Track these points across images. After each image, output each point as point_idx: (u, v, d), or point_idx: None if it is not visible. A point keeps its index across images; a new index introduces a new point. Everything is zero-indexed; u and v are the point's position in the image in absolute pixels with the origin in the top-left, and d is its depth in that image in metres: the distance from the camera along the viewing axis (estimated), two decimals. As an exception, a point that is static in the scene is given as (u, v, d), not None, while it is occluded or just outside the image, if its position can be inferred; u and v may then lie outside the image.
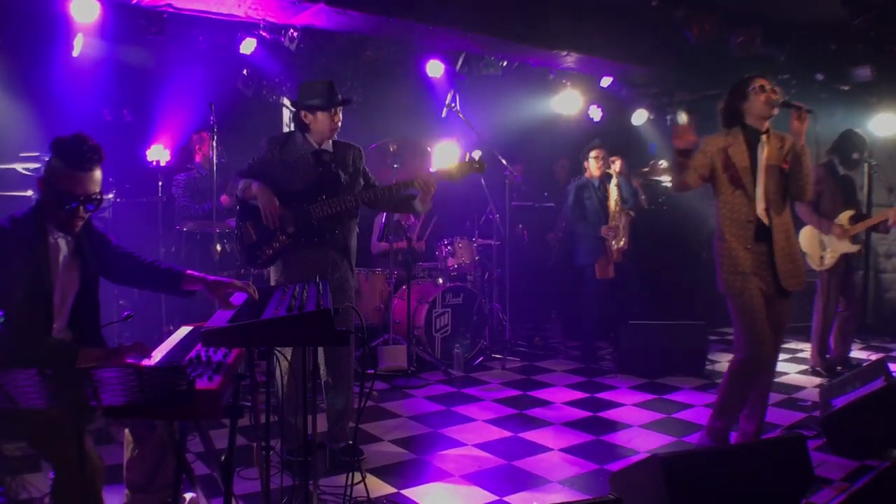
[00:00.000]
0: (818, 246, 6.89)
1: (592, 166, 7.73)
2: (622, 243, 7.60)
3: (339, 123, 4.76)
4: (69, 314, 3.26)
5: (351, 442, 4.57)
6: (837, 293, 6.99)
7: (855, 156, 6.96)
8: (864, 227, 6.91)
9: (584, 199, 7.70)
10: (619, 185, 7.70)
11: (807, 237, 6.94)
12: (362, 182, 4.88)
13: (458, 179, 4.90)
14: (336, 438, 4.76)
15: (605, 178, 7.73)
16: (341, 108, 4.76)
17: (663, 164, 9.53)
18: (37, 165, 6.09)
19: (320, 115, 4.66)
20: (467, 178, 5.00)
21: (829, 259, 6.85)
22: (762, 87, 4.55)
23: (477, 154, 5.33)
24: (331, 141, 4.79)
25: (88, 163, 3.08)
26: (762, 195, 4.56)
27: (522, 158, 9.61)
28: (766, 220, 4.55)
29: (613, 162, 8.15)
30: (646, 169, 9.46)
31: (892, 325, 9.14)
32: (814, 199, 6.89)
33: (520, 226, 9.40)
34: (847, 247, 6.83)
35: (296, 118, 4.82)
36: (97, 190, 3.14)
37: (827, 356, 7.12)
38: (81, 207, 3.10)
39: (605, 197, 7.67)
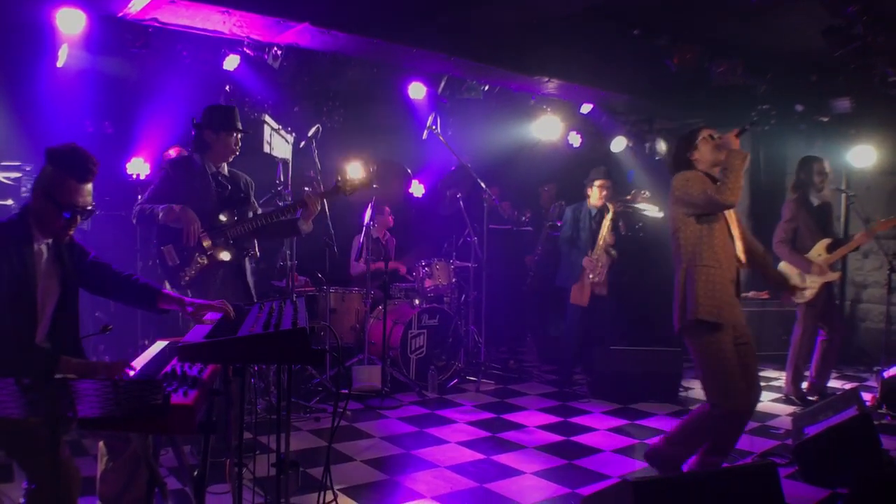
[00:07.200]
0: (798, 279, 6.92)
1: (595, 195, 7.76)
2: (597, 279, 7.62)
3: (237, 149, 5.11)
4: (49, 323, 3.26)
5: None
6: (816, 323, 7.03)
7: (817, 179, 6.98)
8: (841, 255, 6.99)
9: (580, 224, 7.74)
10: (613, 220, 7.73)
11: (786, 271, 6.99)
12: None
13: (350, 194, 5.28)
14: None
15: (604, 208, 7.76)
16: (240, 135, 5.13)
17: (646, 193, 9.60)
18: (17, 175, 6.07)
19: (223, 136, 5.00)
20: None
21: (810, 292, 6.88)
22: (711, 136, 4.61)
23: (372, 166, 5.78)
24: (225, 166, 5.15)
25: (90, 174, 3.16)
26: (739, 236, 4.63)
27: (501, 182, 9.65)
28: (743, 262, 4.63)
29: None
30: (628, 196, 9.54)
31: (867, 354, 9.22)
32: (790, 236, 6.96)
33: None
34: (827, 276, 6.89)
35: (196, 138, 5.08)
36: (91, 201, 3.22)
37: (805, 384, 7.16)
38: (79, 217, 3.16)
39: (599, 227, 7.69)
